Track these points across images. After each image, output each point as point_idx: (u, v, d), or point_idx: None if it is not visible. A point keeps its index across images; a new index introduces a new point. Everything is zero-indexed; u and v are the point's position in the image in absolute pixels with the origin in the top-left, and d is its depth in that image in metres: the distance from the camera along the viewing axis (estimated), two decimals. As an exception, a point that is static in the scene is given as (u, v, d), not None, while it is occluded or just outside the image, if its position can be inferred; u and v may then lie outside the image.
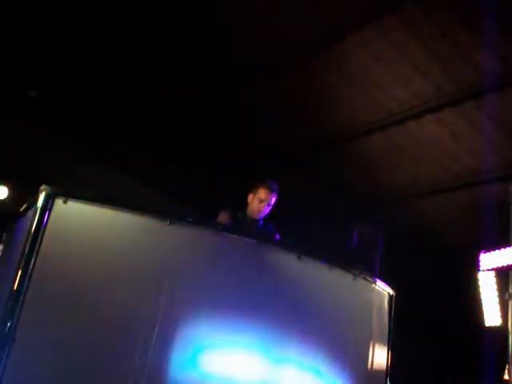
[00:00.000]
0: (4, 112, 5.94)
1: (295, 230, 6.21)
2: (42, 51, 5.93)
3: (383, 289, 3.45)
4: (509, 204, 5.99)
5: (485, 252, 5.86)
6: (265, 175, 4.10)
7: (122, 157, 6.87)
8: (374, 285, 3.39)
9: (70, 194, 2.56)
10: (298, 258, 2.86)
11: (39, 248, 2.47)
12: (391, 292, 3.48)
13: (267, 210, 4.00)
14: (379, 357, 3.32)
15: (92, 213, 2.58)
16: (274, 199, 4.00)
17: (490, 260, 5.79)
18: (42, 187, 2.55)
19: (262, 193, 3.96)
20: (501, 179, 6.46)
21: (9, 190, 6.23)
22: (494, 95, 5.73)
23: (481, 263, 5.87)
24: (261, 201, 3.96)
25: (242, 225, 3.88)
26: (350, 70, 5.98)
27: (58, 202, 2.54)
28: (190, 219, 2.72)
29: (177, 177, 7.37)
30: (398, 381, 3.53)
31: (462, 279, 6.35)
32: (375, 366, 3.29)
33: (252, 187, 4.03)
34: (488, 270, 5.84)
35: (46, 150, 6.30)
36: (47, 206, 2.51)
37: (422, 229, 7.74)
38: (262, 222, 4.04)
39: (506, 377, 5.73)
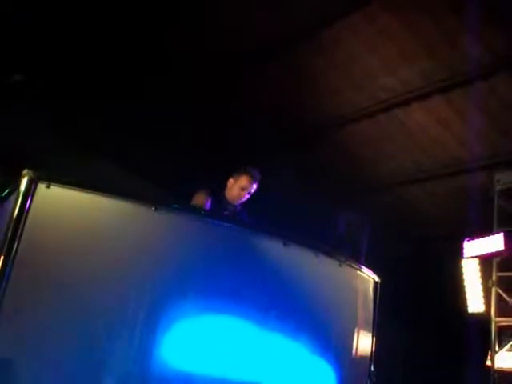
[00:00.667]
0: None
1: (282, 216, 6.22)
2: (36, 40, 5.86)
3: (369, 275, 3.45)
4: (493, 193, 6.05)
5: (469, 240, 5.91)
6: (251, 162, 4.07)
7: (108, 144, 6.80)
8: (359, 271, 3.39)
9: (53, 178, 2.51)
10: (284, 244, 2.85)
11: (22, 233, 2.43)
12: (376, 279, 3.48)
13: (246, 197, 3.97)
14: (364, 343, 3.34)
15: (75, 198, 2.54)
16: (254, 187, 3.96)
17: (474, 247, 5.85)
18: (25, 171, 2.50)
19: (244, 180, 3.91)
20: (486, 168, 6.50)
21: None
22: (482, 83, 5.74)
23: (465, 250, 5.93)
24: (242, 189, 3.91)
25: (221, 208, 3.84)
26: (338, 56, 5.95)
27: (41, 186, 2.49)
28: (176, 205, 2.69)
29: (165, 164, 7.32)
30: (381, 367, 3.56)
31: (446, 266, 6.41)
32: (360, 352, 3.31)
33: (234, 172, 3.98)
34: (472, 257, 5.90)
35: (31, 136, 6.22)
36: (30, 191, 2.46)
37: (407, 216, 7.79)
38: (238, 207, 4.00)
39: (489, 363, 5.81)
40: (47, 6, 5.45)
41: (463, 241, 5.94)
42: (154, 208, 2.58)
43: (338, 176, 7.62)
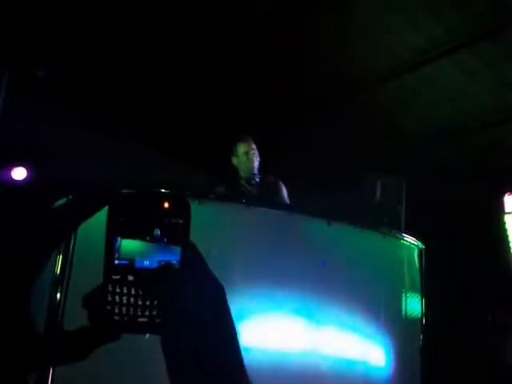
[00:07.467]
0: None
1: (318, 187, 6.18)
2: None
3: (412, 243, 3.47)
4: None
5: (510, 194, 5.81)
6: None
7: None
8: (403, 241, 3.41)
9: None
10: (328, 223, 2.88)
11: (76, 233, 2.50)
12: (420, 245, 3.50)
13: (257, 158, 3.92)
14: (413, 307, 3.39)
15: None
16: (254, 146, 3.91)
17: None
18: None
19: (241, 148, 3.90)
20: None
21: (27, 171, 6.20)
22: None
23: (506, 205, 5.84)
24: (246, 153, 3.87)
25: (245, 191, 3.81)
26: (356, 15, 5.80)
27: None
28: (217, 196, 2.74)
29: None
30: (434, 324, 3.61)
31: (488, 223, 6.33)
32: (410, 315, 3.36)
33: (229, 152, 3.95)
34: (514, 211, 5.80)
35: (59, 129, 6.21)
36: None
37: (443, 173, 7.67)
38: (257, 180, 3.87)
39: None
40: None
41: (504, 195, 5.84)
42: (197, 201, 2.62)
43: (368, 138, 7.52)
